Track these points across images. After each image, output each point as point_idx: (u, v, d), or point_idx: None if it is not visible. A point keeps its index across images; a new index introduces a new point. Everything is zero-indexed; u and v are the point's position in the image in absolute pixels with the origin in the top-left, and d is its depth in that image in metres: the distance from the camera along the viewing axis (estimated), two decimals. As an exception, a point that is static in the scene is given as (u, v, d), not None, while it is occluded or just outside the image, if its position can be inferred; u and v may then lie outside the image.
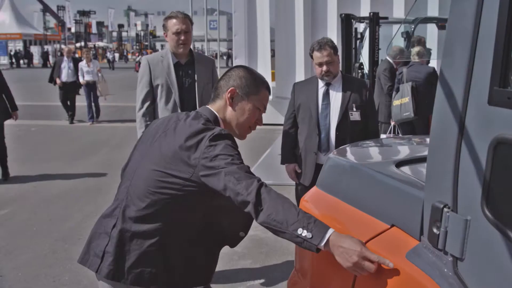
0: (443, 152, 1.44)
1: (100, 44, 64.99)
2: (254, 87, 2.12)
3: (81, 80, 12.28)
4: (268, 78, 11.77)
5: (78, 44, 52.29)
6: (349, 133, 3.67)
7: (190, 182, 1.90)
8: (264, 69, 12.09)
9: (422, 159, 1.91)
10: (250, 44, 12.16)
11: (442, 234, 1.43)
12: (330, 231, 1.64)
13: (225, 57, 43.01)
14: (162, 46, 77.16)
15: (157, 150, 2.01)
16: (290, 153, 3.94)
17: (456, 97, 1.39)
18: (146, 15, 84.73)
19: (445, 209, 1.42)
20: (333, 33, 11.83)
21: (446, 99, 1.42)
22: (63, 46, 33.94)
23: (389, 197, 1.70)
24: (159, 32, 75.36)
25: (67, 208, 6.03)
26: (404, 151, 2.34)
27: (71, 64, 12.34)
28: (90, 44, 56.27)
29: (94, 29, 66.68)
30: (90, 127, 12.31)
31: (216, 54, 20.25)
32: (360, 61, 9.11)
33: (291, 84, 4.16)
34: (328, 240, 1.62)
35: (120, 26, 66.84)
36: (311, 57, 3.68)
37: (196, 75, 3.87)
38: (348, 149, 2.34)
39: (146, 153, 2.07)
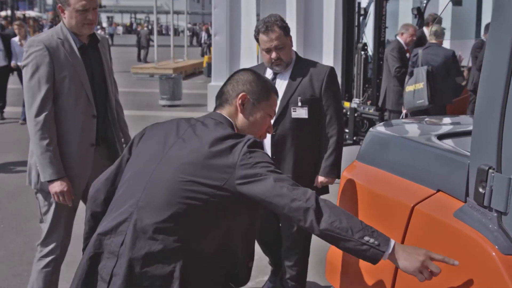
0: (488, 121, 2.00)
1: (31, 13, 64.23)
2: (265, 92, 2.41)
3: (13, 63, 11.06)
4: (253, 58, 12.31)
5: (3, 13, 51.71)
6: (290, 134, 3.55)
7: (222, 190, 2.10)
8: (248, 49, 12.62)
9: (461, 133, 2.49)
10: (232, 19, 12.69)
11: (487, 193, 1.98)
12: (392, 240, 2.02)
13: (188, 34, 42.89)
14: (108, 18, 77.06)
15: (177, 157, 2.19)
16: None
17: (502, 69, 1.94)
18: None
19: (490, 171, 1.98)
20: (330, 10, 12.43)
21: (492, 71, 1.97)
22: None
23: (435, 165, 2.26)
24: (105, 1, 75.15)
25: (30, 204, 6.45)
26: (441, 127, 2.91)
27: (0, 43, 11.17)
28: (18, 14, 55.58)
29: (23, -5, 66.06)
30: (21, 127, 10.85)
31: (176, 29, 20.27)
32: (364, 41, 9.69)
33: None
34: (393, 247, 1.99)
35: (56, -8, 66.32)
36: (257, 41, 3.53)
37: (103, 61, 3.66)
38: (387, 125, 2.90)
39: (160, 161, 2.22)
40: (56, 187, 3.36)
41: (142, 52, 28.20)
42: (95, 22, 3.50)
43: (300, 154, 3.60)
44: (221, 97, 2.42)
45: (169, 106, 13.97)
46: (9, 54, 11.16)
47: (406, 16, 12.19)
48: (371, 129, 2.76)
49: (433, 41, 7.45)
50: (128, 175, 2.32)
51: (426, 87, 7.13)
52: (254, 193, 2.08)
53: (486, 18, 10.32)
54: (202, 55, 30.21)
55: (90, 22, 3.44)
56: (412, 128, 3.00)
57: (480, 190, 2.02)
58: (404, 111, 7.60)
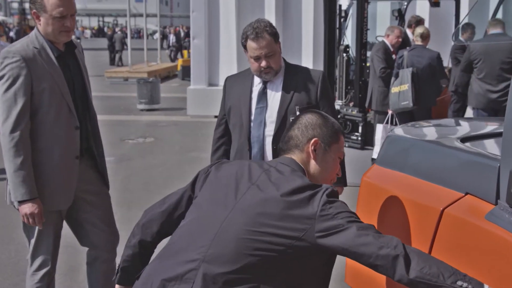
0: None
1: (-3, 17, 63.36)
2: (335, 135, 2.36)
3: None
4: (232, 62, 12.33)
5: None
6: None
7: (300, 242, 2.05)
8: (227, 52, 12.63)
9: (483, 136, 2.52)
10: (211, 22, 12.68)
11: (520, 195, 2.02)
12: (486, 285, 1.94)
13: (156, 37, 42.38)
14: (76, 22, 76.22)
15: (251, 206, 2.14)
16: None
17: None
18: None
19: (524, 174, 2.01)
20: (309, 13, 12.55)
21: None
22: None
23: (462, 168, 2.28)
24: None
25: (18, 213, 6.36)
26: (461, 130, 2.94)
27: None
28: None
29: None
30: None
31: (143, 32, 20.02)
32: (346, 43, 9.78)
33: None
34: None
35: (23, -4, 65.68)
36: (244, 47, 3.33)
37: (82, 68, 3.52)
38: (404, 129, 2.92)
39: (232, 208, 2.17)
40: (26, 208, 3.24)
41: (116, 55, 28.06)
42: (73, 29, 3.35)
43: None
44: (289, 142, 2.37)
45: (148, 110, 13.86)
46: None
47: (384, 18, 12.38)
48: (389, 132, 2.77)
49: (419, 43, 7.55)
50: (194, 216, 2.27)
51: (411, 88, 7.23)
52: (336, 244, 2.04)
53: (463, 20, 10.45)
54: (172, 59, 30.28)
55: (67, 29, 3.28)
56: (431, 131, 3.03)
57: (513, 192, 2.05)
58: (389, 112, 7.68)
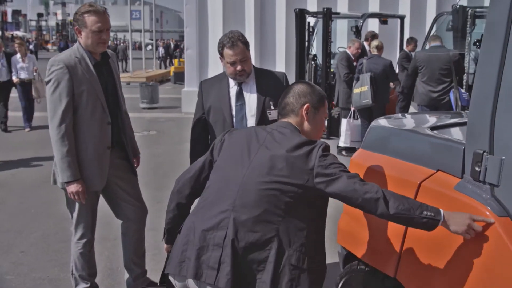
0: (481, 115, 2.13)
1: (19, 33, 62.28)
2: (321, 100, 2.44)
3: (14, 78, 10.37)
4: (219, 69, 12.33)
5: (-7, 34, 49.94)
6: None
7: (304, 187, 2.17)
8: (215, 60, 12.63)
9: (446, 126, 2.64)
10: (201, 36, 12.73)
11: (482, 171, 2.12)
12: (441, 210, 2.09)
13: (149, 48, 42.39)
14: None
15: (264, 162, 2.23)
16: None
17: (492, 75, 2.07)
18: (63, 3, 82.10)
19: (485, 154, 2.12)
20: (282, 27, 12.65)
21: (485, 76, 2.10)
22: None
23: (434, 150, 2.39)
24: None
25: (52, 193, 6.35)
26: (427, 121, 3.06)
27: (4, 60, 10.39)
28: (7, 34, 53.80)
29: (9, 18, 63.97)
30: (28, 133, 10.51)
31: (138, 44, 20.52)
32: (313, 53, 9.89)
33: None
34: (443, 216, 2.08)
35: (40, 15, 64.71)
36: (221, 54, 3.29)
37: (114, 75, 3.56)
38: (384, 120, 3.02)
39: (249, 166, 2.25)
40: (72, 187, 3.30)
41: (121, 64, 28.14)
42: (107, 42, 3.42)
43: None
44: (286, 108, 2.43)
45: (149, 108, 13.81)
46: (11, 69, 10.43)
47: (342, 33, 12.47)
48: (373, 122, 2.87)
49: (375, 53, 7.69)
50: (218, 176, 2.34)
51: (370, 89, 7.37)
52: (332, 189, 2.15)
53: (407, 34, 10.63)
54: (161, 67, 30.43)
55: (104, 42, 3.35)
56: (405, 123, 3.14)
57: (476, 168, 2.16)
58: (352, 109, 7.80)
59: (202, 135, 3.50)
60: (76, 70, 3.28)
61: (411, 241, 2.37)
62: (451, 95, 7.23)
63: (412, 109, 9.42)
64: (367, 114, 7.58)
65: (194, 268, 2.16)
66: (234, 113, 3.34)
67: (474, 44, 6.55)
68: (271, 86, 3.36)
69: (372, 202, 2.10)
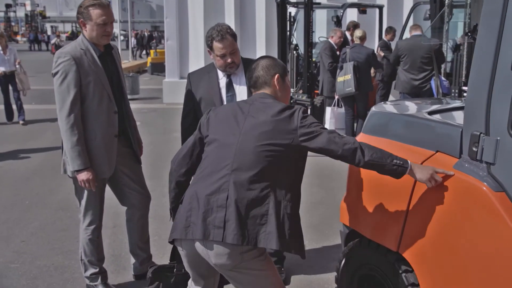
0: (478, 100, 2.33)
1: (-15, 25, 60.90)
2: (284, 69, 2.73)
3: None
4: (200, 59, 12.44)
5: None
6: None
7: (291, 146, 2.42)
8: (195, 51, 12.74)
9: (442, 110, 2.84)
10: (181, 26, 12.79)
11: (479, 150, 2.33)
12: (409, 161, 2.42)
13: (121, 38, 41.92)
14: (52, 27, 73.77)
15: (253, 129, 2.45)
16: None
17: (488, 63, 2.27)
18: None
19: (481, 135, 2.33)
20: (262, 17, 12.76)
21: (481, 63, 2.29)
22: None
23: (434, 133, 2.59)
24: (49, 13, 71.89)
25: (44, 184, 6.43)
26: (422, 107, 3.26)
27: None
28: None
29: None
30: (12, 126, 10.38)
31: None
32: (295, 43, 10.05)
33: None
34: (411, 165, 2.42)
35: (8, 6, 63.35)
36: (210, 47, 3.34)
37: (118, 65, 3.67)
38: (383, 106, 3.21)
39: (240, 134, 2.47)
40: (83, 175, 3.41)
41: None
42: (111, 34, 3.51)
43: None
44: (258, 81, 2.66)
45: (130, 99, 13.48)
46: None
47: (321, 23, 12.67)
48: (373, 108, 3.07)
49: (358, 42, 7.89)
50: (213, 147, 2.54)
51: (353, 78, 7.58)
52: (315, 145, 2.42)
53: (385, 24, 10.89)
54: (135, 57, 30.25)
55: (108, 34, 3.45)
56: (405, 107, 3.33)
57: (474, 149, 2.36)
58: (336, 97, 8.01)
59: (193, 125, 3.50)
60: (83, 62, 3.37)
61: (413, 215, 2.58)
62: (432, 83, 7.48)
63: (391, 97, 9.66)
64: (351, 102, 7.79)
65: (201, 230, 2.36)
66: (225, 103, 3.40)
67: (466, 34, 6.76)
68: None
69: (350, 152, 2.40)
